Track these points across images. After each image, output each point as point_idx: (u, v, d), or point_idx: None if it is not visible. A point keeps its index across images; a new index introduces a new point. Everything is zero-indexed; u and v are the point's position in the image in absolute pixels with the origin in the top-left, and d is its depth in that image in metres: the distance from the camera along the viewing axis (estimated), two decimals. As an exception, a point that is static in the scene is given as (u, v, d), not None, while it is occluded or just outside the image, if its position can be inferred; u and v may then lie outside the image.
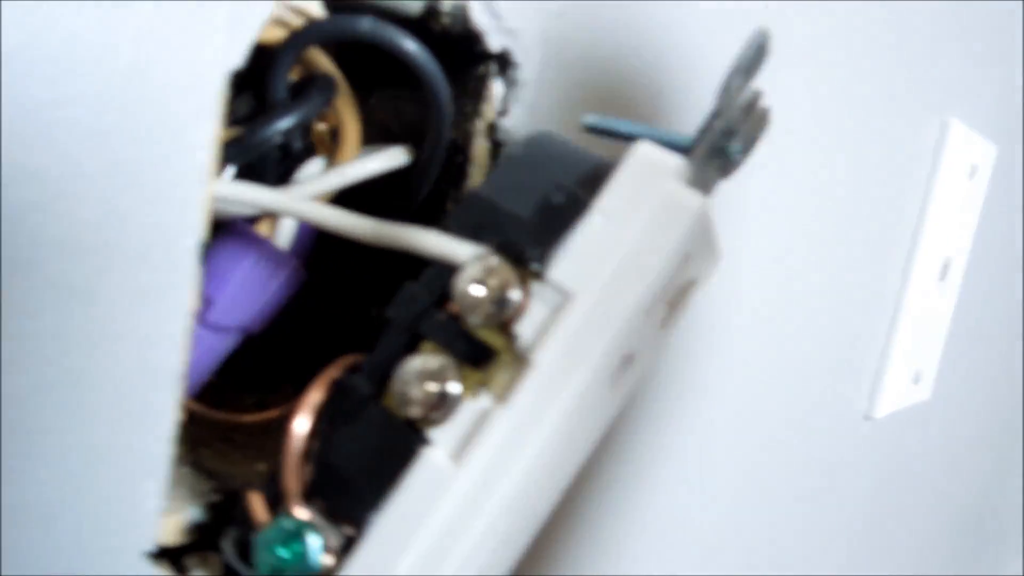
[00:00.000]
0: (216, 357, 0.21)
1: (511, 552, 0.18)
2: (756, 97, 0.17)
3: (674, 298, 0.17)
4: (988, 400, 0.63)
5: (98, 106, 0.14)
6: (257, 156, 0.19)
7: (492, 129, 0.21)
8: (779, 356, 0.40)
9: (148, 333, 0.15)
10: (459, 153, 0.21)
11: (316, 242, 0.22)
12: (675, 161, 0.15)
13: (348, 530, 0.16)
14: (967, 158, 0.49)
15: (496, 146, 0.21)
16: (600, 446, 0.31)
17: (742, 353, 0.37)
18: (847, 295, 0.44)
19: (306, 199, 0.18)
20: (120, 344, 0.15)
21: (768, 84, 0.33)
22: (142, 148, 0.14)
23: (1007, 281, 0.60)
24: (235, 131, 0.18)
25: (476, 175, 0.21)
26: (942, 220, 0.49)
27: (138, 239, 0.15)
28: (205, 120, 0.15)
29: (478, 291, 0.15)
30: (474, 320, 0.15)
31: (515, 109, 0.20)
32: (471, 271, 0.15)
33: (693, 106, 0.19)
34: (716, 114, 0.16)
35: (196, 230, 0.15)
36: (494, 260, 0.15)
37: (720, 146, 0.16)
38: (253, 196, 0.18)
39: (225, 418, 0.21)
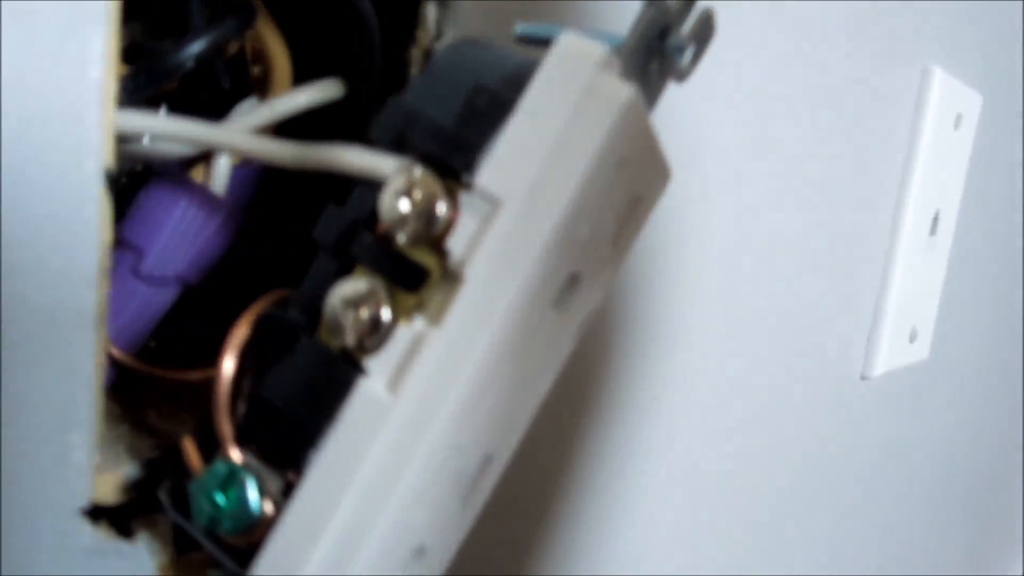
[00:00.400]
0: (154, 311, 0.20)
1: (473, 497, 0.17)
2: None
3: (622, 214, 0.16)
4: (989, 356, 0.62)
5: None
6: (183, 89, 0.18)
7: (428, 55, 0.20)
8: (770, 315, 0.39)
9: (54, 267, 0.14)
10: (397, 85, 0.20)
11: (256, 191, 0.21)
12: (601, 50, 0.14)
13: (289, 474, 0.15)
14: (952, 107, 0.48)
15: (436, 74, 0.20)
16: (582, 407, 0.30)
17: (730, 313, 0.36)
18: (836, 251, 0.43)
19: (228, 131, 0.18)
20: (23, 280, 0.14)
21: (740, 33, 0.32)
22: (21, 63, 0.13)
23: (1000, 233, 0.59)
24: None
25: (417, 107, 0.20)
26: (929, 172, 0.48)
27: (32, 162, 0.14)
28: (93, 32, 0.14)
29: (404, 205, 0.14)
30: (403, 238, 0.14)
31: (450, 32, 0.19)
32: (395, 184, 0.14)
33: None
34: (644, 7, 0.15)
35: (98, 153, 0.14)
36: (418, 171, 0.14)
37: (656, 45, 0.15)
38: (177, 128, 0.17)
39: (168, 376, 0.20)
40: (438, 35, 0.19)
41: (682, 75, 0.16)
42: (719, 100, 0.32)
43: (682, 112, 0.30)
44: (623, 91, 0.13)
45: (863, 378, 0.48)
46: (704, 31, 0.16)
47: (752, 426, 0.39)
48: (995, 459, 0.67)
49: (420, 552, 0.16)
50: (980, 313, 0.59)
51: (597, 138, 0.13)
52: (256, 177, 0.21)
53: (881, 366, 0.48)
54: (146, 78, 0.17)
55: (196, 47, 0.17)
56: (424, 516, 0.15)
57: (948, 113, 0.48)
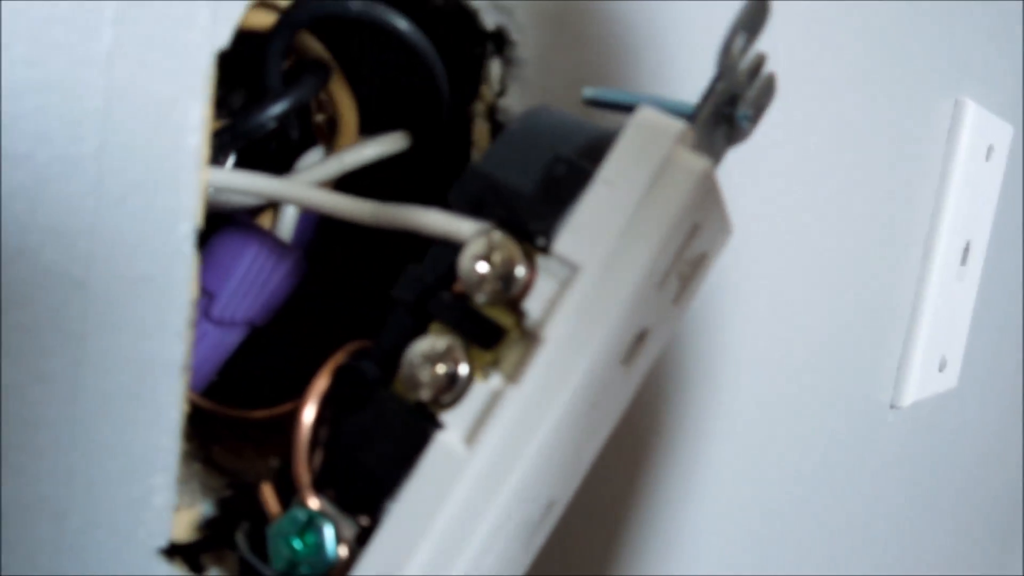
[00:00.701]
0: (222, 352, 0.21)
1: (534, 539, 0.18)
2: (760, 61, 0.17)
3: (686, 272, 0.17)
4: (1017, 385, 0.62)
5: (80, 90, 0.13)
6: (252, 143, 0.19)
7: (492, 110, 0.20)
8: (800, 344, 0.39)
9: (147, 322, 0.15)
10: (460, 138, 0.21)
11: (319, 233, 0.22)
12: (678, 125, 0.14)
13: (363, 520, 0.15)
14: (983, 139, 0.49)
15: (497, 127, 0.21)
16: (621, 443, 0.30)
17: (760, 344, 0.37)
18: (866, 282, 0.43)
19: (305, 187, 0.18)
20: (118, 334, 0.15)
21: (774, 64, 0.32)
22: (129, 133, 0.14)
23: (1031, 263, 0.59)
24: (229, 121, 0.18)
25: (478, 159, 0.21)
26: (961, 202, 0.48)
27: (132, 225, 0.15)
28: (193, 102, 0.14)
29: (483, 268, 0.15)
30: (481, 298, 0.15)
31: (514, 89, 0.20)
32: (474, 247, 0.15)
33: (697, 81, 0.19)
34: (718, 77, 0.16)
35: (192, 215, 0.15)
36: (497, 235, 0.15)
37: (725, 111, 0.16)
38: (251, 183, 0.18)
39: (235, 415, 0.21)
40: (501, 91, 0.20)
41: (745, 139, 0.17)
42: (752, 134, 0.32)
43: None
44: (699, 164, 0.14)
45: (892, 407, 0.48)
46: (765, 96, 0.17)
47: (782, 455, 0.40)
48: (1003, 463, 0.66)
49: None
50: (1009, 342, 0.59)
51: (674, 209, 0.14)
52: (319, 221, 0.22)
53: (911, 395, 0.48)
54: (231, 139, 0.18)
55: (277, 109, 0.18)
56: (491, 562, 0.16)
57: (980, 144, 0.48)
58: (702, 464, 0.35)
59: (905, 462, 0.51)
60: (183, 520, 0.18)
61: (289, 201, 0.18)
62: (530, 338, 0.14)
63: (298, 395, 0.21)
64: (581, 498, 0.29)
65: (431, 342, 0.15)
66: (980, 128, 0.48)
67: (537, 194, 0.15)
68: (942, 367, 0.51)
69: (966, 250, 0.50)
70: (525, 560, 0.18)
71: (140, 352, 0.15)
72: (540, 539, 0.18)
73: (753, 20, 0.15)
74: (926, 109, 0.44)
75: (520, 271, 0.14)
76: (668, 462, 0.33)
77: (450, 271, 0.15)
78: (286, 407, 0.21)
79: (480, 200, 0.15)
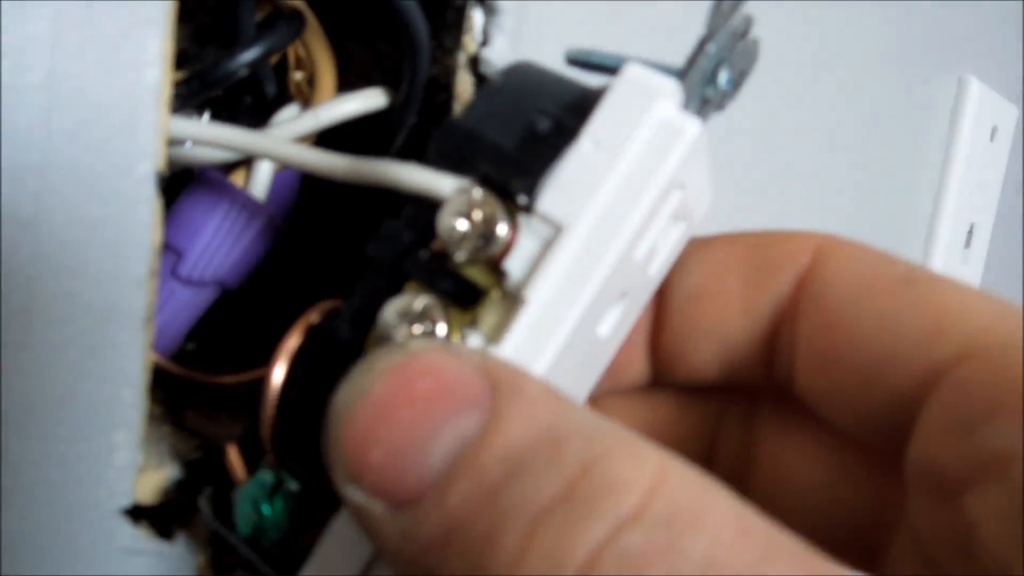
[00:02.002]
0: (191, 313, 0.20)
1: None
2: (748, 23, 0.16)
3: (661, 244, 0.16)
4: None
5: (24, 13, 0.13)
6: (227, 95, 0.18)
7: (475, 62, 0.20)
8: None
9: (104, 268, 0.15)
10: (442, 90, 0.20)
11: (298, 197, 0.21)
12: (669, 84, 0.14)
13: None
14: (988, 119, 0.48)
15: (480, 80, 0.20)
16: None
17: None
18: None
19: (279, 141, 0.18)
20: (73, 279, 0.14)
21: (775, 41, 0.32)
22: (80, 63, 0.13)
23: (1036, 247, 0.58)
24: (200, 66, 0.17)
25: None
26: (965, 184, 0.47)
27: (85, 163, 0.14)
28: (151, 33, 0.14)
29: (463, 225, 0.14)
30: (460, 257, 0.14)
31: (497, 39, 0.19)
32: (454, 204, 0.14)
33: (685, 39, 0.18)
34: (706, 37, 0.15)
35: (151, 156, 0.14)
36: (478, 192, 0.14)
37: (710, 74, 0.15)
38: (223, 136, 0.17)
39: (203, 379, 0.20)
40: (484, 41, 0.19)
41: (727, 104, 0.16)
42: (751, 112, 0.32)
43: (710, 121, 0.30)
44: (691, 125, 0.14)
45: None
46: (749, 60, 0.16)
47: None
48: None
49: None
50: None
51: (665, 170, 0.13)
52: (297, 182, 0.21)
53: (913, 380, 0.47)
54: (199, 84, 0.17)
55: (249, 55, 0.17)
56: None
57: (984, 124, 0.47)
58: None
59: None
60: (150, 482, 0.17)
61: (262, 155, 0.18)
62: (511, 299, 0.14)
63: (268, 361, 0.20)
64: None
65: (407, 301, 0.14)
66: (984, 107, 0.47)
67: (520, 150, 0.14)
68: (945, 352, 0.50)
69: (970, 232, 0.50)
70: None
71: (98, 299, 0.15)
72: None
73: None
74: (929, 87, 0.43)
75: (501, 229, 0.14)
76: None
77: (428, 229, 0.15)
78: (256, 373, 0.20)
79: (460, 156, 0.15)
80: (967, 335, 0.13)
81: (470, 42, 0.19)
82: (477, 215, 0.14)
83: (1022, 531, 0.11)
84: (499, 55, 0.20)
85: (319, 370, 0.15)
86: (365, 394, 0.11)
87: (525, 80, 0.15)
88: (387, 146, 0.20)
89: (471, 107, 0.15)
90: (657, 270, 0.16)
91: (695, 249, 0.16)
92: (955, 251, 0.49)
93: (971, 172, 0.48)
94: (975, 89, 0.46)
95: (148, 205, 0.15)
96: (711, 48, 0.15)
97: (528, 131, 0.14)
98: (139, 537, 0.17)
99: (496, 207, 0.14)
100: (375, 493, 0.11)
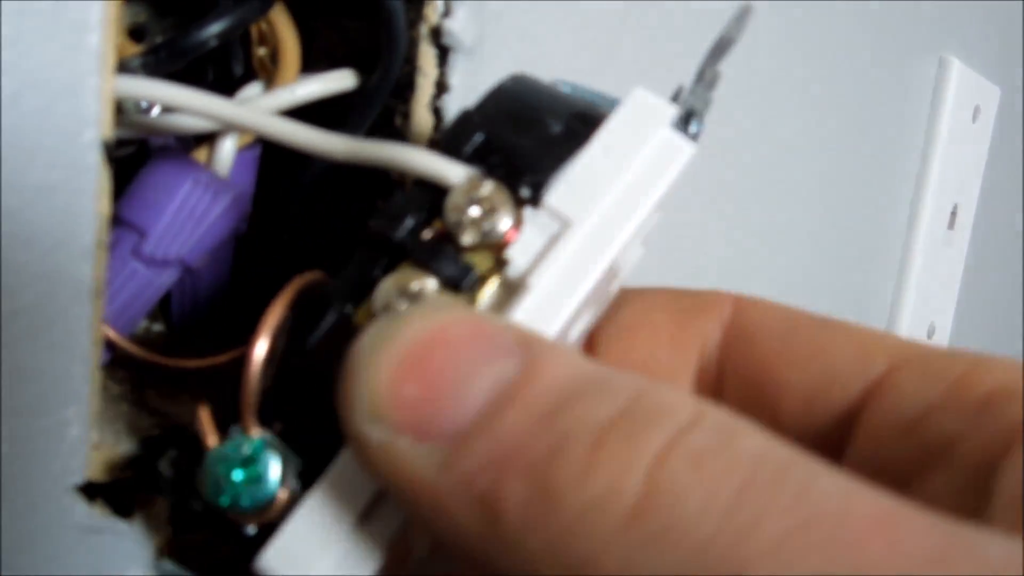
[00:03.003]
0: (153, 293, 0.20)
1: None
2: (716, 78, 0.17)
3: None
4: (1007, 351, 0.61)
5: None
6: (192, 69, 0.18)
7: (437, 33, 0.19)
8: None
9: (51, 236, 0.14)
10: (405, 63, 0.19)
11: (259, 177, 0.21)
12: (671, 109, 0.15)
13: (310, 459, 0.15)
14: (970, 99, 0.47)
15: (443, 51, 0.20)
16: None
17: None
18: (852, 246, 0.42)
19: (269, 116, 0.17)
20: (19, 247, 0.14)
21: (754, 21, 0.31)
22: (19, 27, 0.13)
23: (1018, 227, 0.58)
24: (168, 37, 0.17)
25: (424, 84, 0.20)
26: (947, 165, 0.47)
27: (29, 129, 0.14)
28: (92, -4, 0.13)
29: (470, 211, 0.15)
30: (465, 241, 0.15)
31: (459, 10, 0.19)
32: (463, 190, 0.15)
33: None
34: (691, 91, 0.16)
35: (97, 123, 0.14)
36: (489, 184, 0.15)
37: (686, 120, 0.16)
38: (209, 105, 0.17)
39: (167, 363, 0.20)
40: (446, 12, 0.19)
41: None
42: (732, 92, 0.31)
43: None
44: (689, 147, 0.15)
45: (880, 375, 0.47)
46: (704, 110, 0.17)
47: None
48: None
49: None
50: (999, 308, 0.58)
51: (665, 181, 0.15)
52: (257, 161, 0.21)
53: (898, 362, 0.47)
54: (167, 55, 0.17)
55: (219, 26, 0.17)
56: None
57: (966, 105, 0.47)
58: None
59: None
60: (104, 459, 0.17)
61: (251, 130, 0.17)
62: (511, 286, 0.14)
63: (235, 346, 0.20)
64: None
65: (405, 277, 0.14)
66: (966, 88, 0.47)
67: (533, 147, 0.15)
68: (931, 334, 0.50)
69: (953, 213, 0.49)
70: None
71: (45, 269, 0.14)
72: None
73: (736, 31, 0.16)
74: (910, 68, 0.43)
75: (506, 219, 0.15)
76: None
77: (431, 211, 0.15)
78: (222, 358, 0.20)
79: (472, 148, 0.15)
80: (891, 353, 0.15)
81: (432, 13, 0.19)
82: (485, 203, 0.15)
83: (973, 507, 0.12)
84: (461, 26, 0.19)
85: (307, 343, 0.15)
86: (396, 337, 0.11)
87: (531, 87, 0.17)
88: (359, 125, 0.20)
89: (484, 101, 0.16)
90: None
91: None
92: (938, 233, 0.49)
93: (953, 153, 0.48)
94: (956, 70, 0.45)
95: (94, 173, 0.14)
96: (687, 97, 0.16)
97: (541, 131, 0.16)
98: (95, 515, 0.16)
99: (504, 197, 0.15)
100: (404, 429, 0.11)
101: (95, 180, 0.14)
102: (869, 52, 0.39)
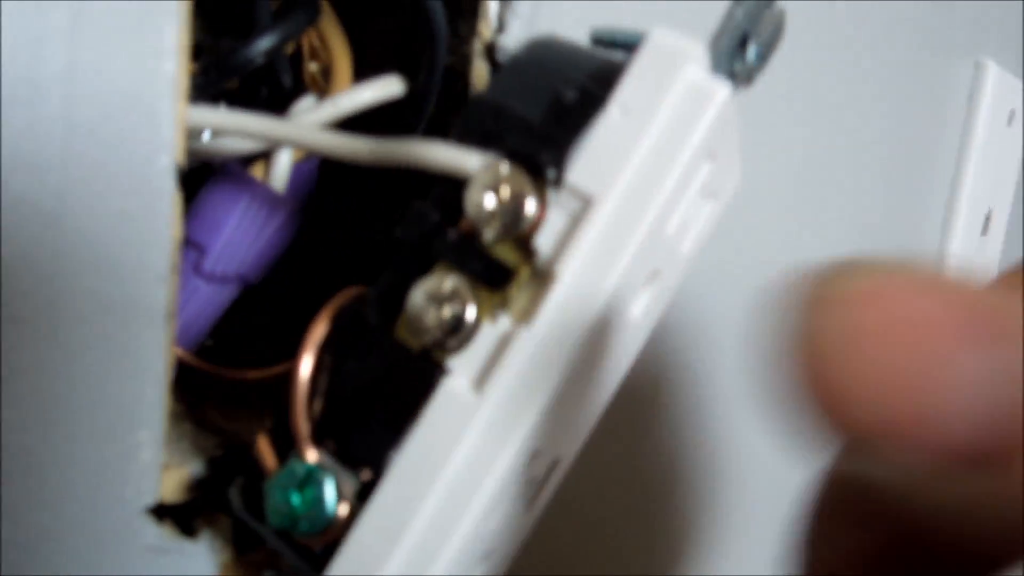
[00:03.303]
0: (214, 309, 0.20)
1: (538, 500, 0.17)
2: None
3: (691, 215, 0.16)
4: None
5: (42, 5, 0.12)
6: (243, 86, 0.18)
7: (490, 49, 0.19)
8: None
9: (127, 263, 0.14)
10: (458, 79, 0.19)
11: (315, 187, 0.21)
12: (696, 47, 0.13)
13: (365, 473, 0.15)
14: (1005, 103, 0.47)
15: (496, 67, 0.20)
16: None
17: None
18: (885, 251, 0.42)
19: (298, 127, 0.17)
20: (96, 275, 0.14)
21: (790, 25, 0.31)
22: (98, 55, 0.13)
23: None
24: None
25: (479, 102, 0.20)
26: (982, 169, 0.47)
27: (105, 157, 0.14)
28: (168, 22, 0.14)
29: (490, 202, 0.14)
30: (489, 235, 0.14)
31: (513, 26, 0.19)
32: (481, 181, 0.14)
33: (708, 25, 0.18)
34: (733, 8, 0.15)
35: (171, 149, 0.14)
36: (505, 168, 0.14)
37: (737, 45, 0.15)
38: (247, 123, 0.17)
39: (229, 375, 0.20)
40: (500, 28, 0.19)
41: (751, 80, 0.16)
42: (768, 95, 0.31)
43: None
44: (720, 88, 0.13)
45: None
46: (774, 36, 0.16)
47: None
48: None
49: (488, 555, 0.15)
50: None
51: (695, 136, 0.13)
52: (316, 173, 0.21)
53: (932, 368, 0.47)
54: (216, 74, 0.17)
55: (265, 43, 0.17)
56: (497, 520, 0.15)
57: (1002, 109, 0.47)
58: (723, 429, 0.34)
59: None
60: (172, 480, 0.17)
61: (285, 143, 0.18)
62: (542, 277, 0.13)
63: (293, 355, 0.20)
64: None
65: (436, 283, 0.14)
66: (1002, 91, 0.46)
67: (546, 122, 0.14)
68: (964, 339, 0.50)
69: (987, 219, 0.49)
70: (528, 522, 0.17)
71: (120, 295, 0.14)
72: (543, 501, 0.17)
73: None
74: (946, 70, 0.42)
75: (530, 205, 0.14)
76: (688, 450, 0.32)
77: (456, 208, 0.14)
78: (281, 367, 0.20)
79: (486, 131, 0.14)
80: None
81: (485, 29, 0.19)
82: (505, 191, 0.14)
83: None
84: (515, 42, 0.19)
85: (351, 356, 0.15)
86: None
87: (549, 52, 0.15)
88: (410, 128, 0.20)
89: (496, 82, 0.15)
90: (689, 247, 0.15)
91: None
92: (972, 239, 0.48)
93: (988, 157, 0.47)
94: (992, 73, 0.45)
95: (168, 198, 0.15)
96: (738, 14, 0.15)
97: (554, 102, 0.14)
98: (163, 536, 0.16)
99: (524, 182, 0.14)
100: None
101: (169, 205, 0.14)
102: (906, 56, 0.39)
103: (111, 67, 0.13)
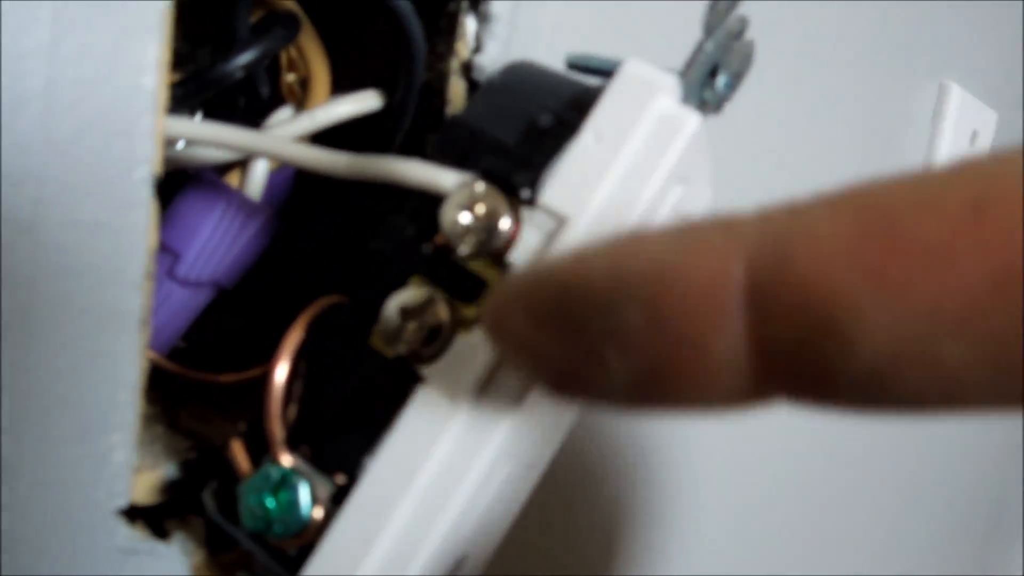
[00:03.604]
0: (188, 313, 0.20)
1: (513, 503, 0.17)
2: (743, 24, 0.16)
3: None
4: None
5: (25, 22, 0.13)
6: (220, 96, 0.18)
7: (467, 68, 0.20)
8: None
9: (101, 271, 0.15)
10: (435, 96, 0.20)
11: (290, 195, 0.22)
12: (669, 79, 0.14)
13: (339, 478, 0.15)
14: (968, 124, 0.48)
15: (473, 85, 0.20)
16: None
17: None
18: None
19: (279, 140, 0.18)
20: (71, 282, 0.14)
21: (755, 48, 0.32)
22: (79, 70, 0.13)
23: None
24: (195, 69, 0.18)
25: (453, 117, 0.20)
26: (945, 187, 0.48)
27: (84, 168, 0.14)
28: (149, 39, 0.14)
29: (466, 219, 0.14)
30: (464, 250, 0.14)
31: (490, 46, 0.20)
32: (457, 198, 0.14)
33: (683, 46, 0.18)
34: (705, 37, 0.15)
35: (148, 161, 0.15)
36: (481, 186, 0.14)
37: (707, 75, 0.16)
38: (223, 135, 0.17)
39: (203, 378, 0.20)
40: (477, 48, 0.20)
41: (720, 108, 0.17)
42: (731, 116, 0.32)
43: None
44: (691, 119, 0.14)
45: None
46: (743, 66, 0.17)
47: (761, 427, 0.39)
48: (1000, 460, 0.67)
49: (462, 560, 0.16)
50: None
51: (666, 162, 0.14)
52: (291, 181, 0.21)
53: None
54: (196, 87, 0.17)
55: (245, 58, 0.18)
56: (472, 523, 0.15)
57: (964, 129, 0.48)
58: (691, 447, 0.34)
59: (883, 433, 0.51)
60: (145, 482, 0.17)
61: (262, 154, 0.18)
62: None
63: (268, 359, 0.21)
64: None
65: (411, 295, 0.15)
66: (965, 112, 0.47)
67: (522, 145, 0.15)
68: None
69: (950, 235, 0.50)
70: (503, 525, 0.17)
71: (95, 302, 0.15)
72: (518, 504, 0.18)
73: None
74: (910, 92, 0.44)
75: (504, 223, 0.14)
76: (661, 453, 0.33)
77: (430, 223, 0.15)
78: (255, 371, 0.20)
79: (462, 151, 0.15)
80: None
81: (463, 48, 0.20)
82: (480, 209, 0.14)
83: None
84: (491, 61, 0.20)
85: (325, 364, 0.16)
86: None
87: (525, 77, 0.16)
88: (383, 149, 0.20)
89: (472, 104, 0.16)
90: None
91: None
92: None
93: (951, 176, 0.48)
94: (955, 94, 0.46)
95: (145, 208, 0.15)
96: (708, 47, 0.15)
97: (529, 126, 0.15)
98: (135, 537, 0.17)
99: (499, 200, 0.14)
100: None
101: (145, 216, 0.15)
102: (869, 76, 0.40)
103: (91, 82, 0.14)
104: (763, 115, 0.34)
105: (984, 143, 0.51)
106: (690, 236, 0.10)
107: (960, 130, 0.47)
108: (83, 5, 0.13)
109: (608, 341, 0.10)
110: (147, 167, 0.15)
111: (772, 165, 0.35)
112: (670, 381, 0.10)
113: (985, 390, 0.09)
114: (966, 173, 0.09)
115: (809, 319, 0.09)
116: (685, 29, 0.16)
